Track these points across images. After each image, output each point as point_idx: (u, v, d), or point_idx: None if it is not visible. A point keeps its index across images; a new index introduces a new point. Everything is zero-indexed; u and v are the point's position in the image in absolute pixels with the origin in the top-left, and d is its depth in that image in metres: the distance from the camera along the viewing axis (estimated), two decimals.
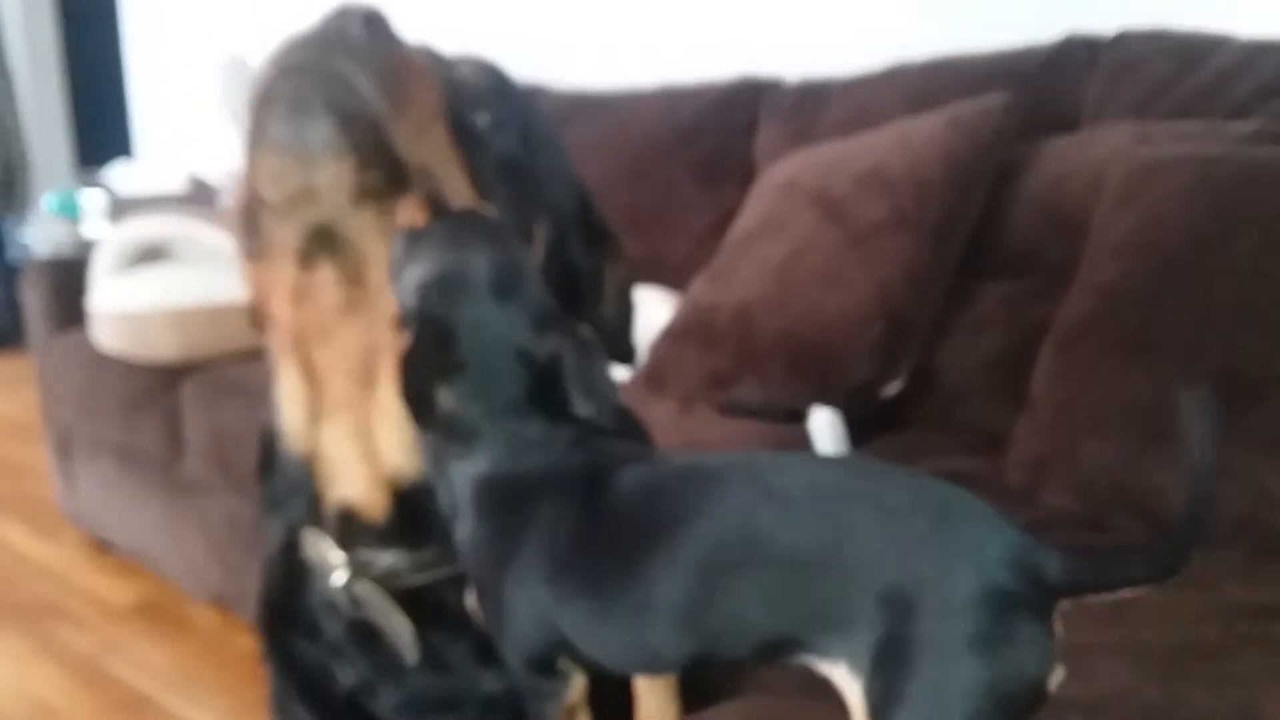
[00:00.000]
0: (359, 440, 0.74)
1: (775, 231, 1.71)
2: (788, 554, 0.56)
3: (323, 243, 0.67)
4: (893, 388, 1.57)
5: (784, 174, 1.80)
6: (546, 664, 0.63)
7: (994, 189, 1.61)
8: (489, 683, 0.78)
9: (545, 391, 0.64)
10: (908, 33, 2.12)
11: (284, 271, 0.70)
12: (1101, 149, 1.52)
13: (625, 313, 0.87)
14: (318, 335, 0.72)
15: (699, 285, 1.80)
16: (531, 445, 0.63)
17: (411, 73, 0.67)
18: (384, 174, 0.65)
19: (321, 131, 0.64)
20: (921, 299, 1.56)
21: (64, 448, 2.58)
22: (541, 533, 0.61)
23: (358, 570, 0.76)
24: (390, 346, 0.67)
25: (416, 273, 0.63)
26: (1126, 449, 1.20)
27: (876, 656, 0.54)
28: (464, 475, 0.64)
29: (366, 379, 0.72)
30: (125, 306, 2.20)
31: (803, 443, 1.52)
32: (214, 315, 2.14)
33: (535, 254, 0.76)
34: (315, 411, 0.75)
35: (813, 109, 2.03)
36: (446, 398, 0.63)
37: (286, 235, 0.68)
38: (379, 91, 0.64)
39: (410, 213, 0.64)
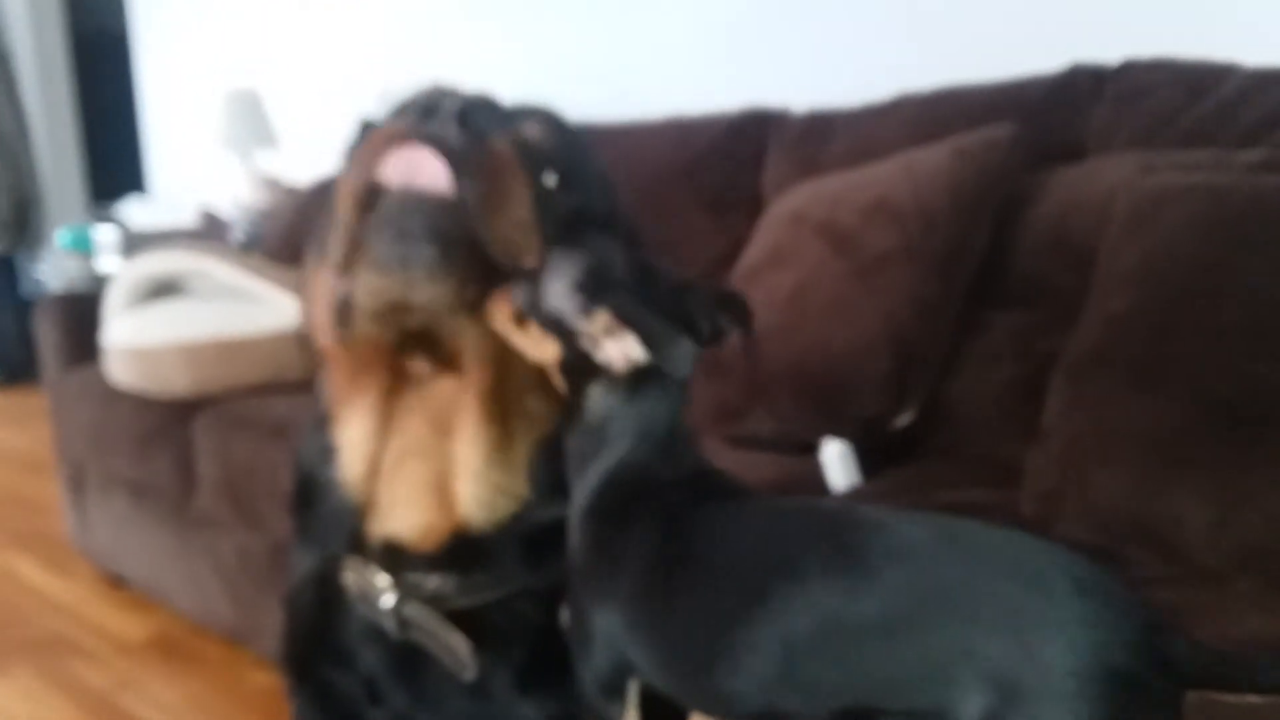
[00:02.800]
0: (428, 492, 0.75)
1: (783, 262, 1.72)
2: (868, 622, 0.53)
3: (417, 341, 0.71)
4: (904, 419, 1.57)
5: (791, 205, 1.81)
6: (616, 687, 0.63)
7: (1001, 219, 1.61)
8: (527, 711, 0.78)
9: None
10: (913, 63, 2.13)
11: (373, 357, 0.73)
12: (1109, 179, 1.53)
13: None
14: (394, 399, 0.75)
15: None
16: (657, 446, 0.64)
17: (505, 172, 0.68)
18: (481, 287, 0.68)
19: (425, 258, 0.66)
20: (930, 330, 1.56)
21: (77, 482, 2.59)
22: (631, 551, 0.61)
23: (406, 592, 0.76)
24: (474, 406, 0.71)
25: (565, 278, 0.64)
26: (1139, 479, 1.19)
27: None
28: (594, 475, 0.65)
29: (444, 433, 0.74)
30: (138, 341, 2.21)
31: (814, 474, 1.52)
32: (226, 350, 2.15)
33: None
34: (379, 460, 0.76)
35: (819, 139, 2.03)
36: (596, 396, 0.64)
37: (380, 333, 0.71)
38: (479, 208, 0.66)
39: (504, 310, 0.67)
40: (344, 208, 0.69)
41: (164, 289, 2.33)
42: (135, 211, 3.80)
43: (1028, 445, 1.37)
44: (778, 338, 1.64)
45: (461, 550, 0.75)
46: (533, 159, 0.75)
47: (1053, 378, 1.36)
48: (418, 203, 0.66)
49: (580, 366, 0.64)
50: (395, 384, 0.75)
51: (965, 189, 1.57)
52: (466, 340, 0.70)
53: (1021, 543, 0.54)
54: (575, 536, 0.65)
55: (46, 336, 2.66)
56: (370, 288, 0.68)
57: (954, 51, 2.08)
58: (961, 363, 1.61)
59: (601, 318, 0.62)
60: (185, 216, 3.56)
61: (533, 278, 0.65)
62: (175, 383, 2.19)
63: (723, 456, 1.58)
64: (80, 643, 2.37)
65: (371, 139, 0.70)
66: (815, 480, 1.51)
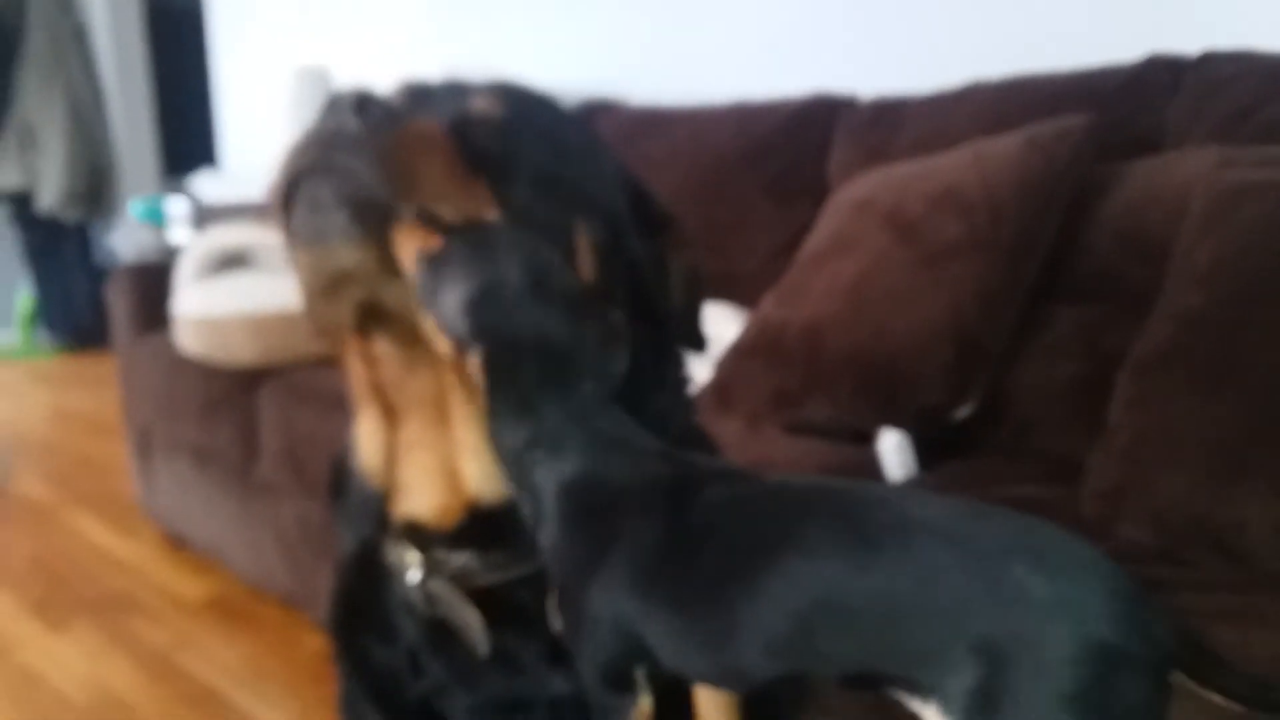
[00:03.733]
0: (437, 475, 0.76)
1: (847, 250, 1.71)
2: (875, 594, 0.54)
3: (372, 316, 0.72)
4: (963, 411, 1.55)
5: (857, 193, 1.79)
6: (622, 677, 0.63)
7: (1072, 211, 1.58)
8: (559, 684, 0.78)
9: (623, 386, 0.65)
10: (984, 51, 2.10)
11: (346, 342, 0.76)
12: (1185, 173, 1.49)
13: (694, 300, 0.86)
14: (390, 388, 0.77)
15: (768, 303, 1.80)
16: (615, 443, 0.64)
17: (413, 143, 0.69)
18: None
19: (338, 224, 0.68)
20: (994, 322, 1.54)
21: (144, 446, 2.65)
22: (628, 543, 0.61)
23: (432, 568, 0.78)
24: (458, 387, 0.71)
25: (455, 293, 0.64)
26: (1206, 481, 1.17)
27: (970, 704, 0.51)
28: (549, 482, 0.64)
29: (441, 420, 0.75)
30: (206, 312, 2.25)
31: (870, 465, 1.51)
32: (291, 322, 2.18)
33: (583, 254, 0.76)
34: (392, 449, 0.78)
35: (887, 127, 2.01)
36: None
37: (339, 313, 0.72)
38: (383, 174, 0.67)
39: (411, 239, 0.66)
40: (273, 203, 0.71)
41: (233, 261, 2.38)
42: (206, 184, 3.87)
43: (1090, 442, 1.35)
44: (838, 326, 1.64)
45: (479, 528, 0.76)
46: (478, 130, 0.75)
47: (1119, 374, 1.34)
48: (325, 175, 0.68)
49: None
50: (385, 376, 0.76)
51: (1036, 180, 1.55)
52: (419, 309, 0.69)
53: (1021, 523, 0.55)
54: (551, 537, 0.64)
55: (118, 305, 2.72)
56: (307, 265, 0.71)
57: (1027, 40, 2.05)
58: (1025, 356, 1.59)
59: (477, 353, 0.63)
60: (255, 190, 3.61)
61: (434, 265, 0.65)
62: (241, 353, 2.24)
63: (779, 444, 1.59)
64: (141, 602, 2.43)
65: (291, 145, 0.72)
66: (871, 470, 1.51)
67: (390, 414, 0.78)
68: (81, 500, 3.10)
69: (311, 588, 2.08)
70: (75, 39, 5.22)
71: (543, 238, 0.69)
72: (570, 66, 3.02)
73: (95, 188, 5.26)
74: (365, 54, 3.73)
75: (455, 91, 0.80)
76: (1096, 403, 1.38)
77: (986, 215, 1.55)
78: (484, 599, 0.78)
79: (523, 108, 0.80)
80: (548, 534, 0.64)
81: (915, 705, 0.56)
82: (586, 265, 0.76)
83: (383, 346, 0.75)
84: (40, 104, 5.08)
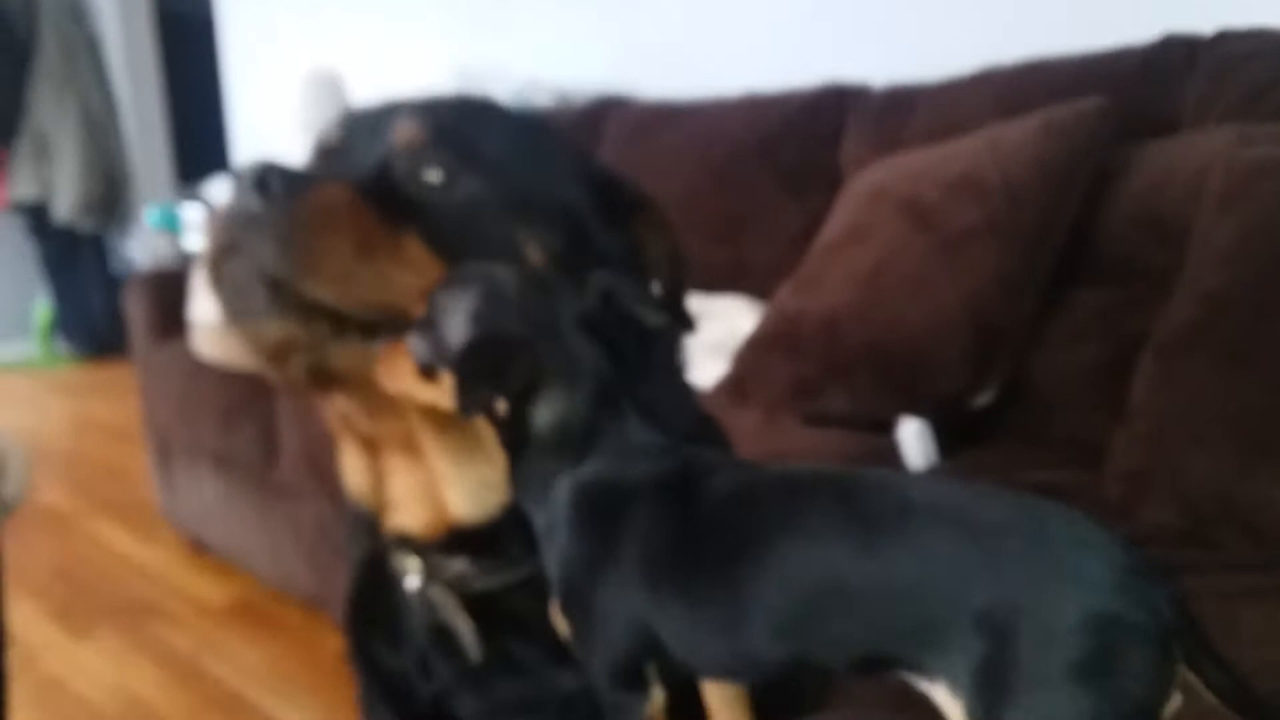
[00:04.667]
0: (420, 497, 0.77)
1: (863, 239, 1.70)
2: (876, 575, 0.55)
3: (321, 376, 0.72)
4: (984, 398, 1.54)
5: (872, 181, 1.78)
6: (633, 675, 0.63)
7: (1090, 194, 1.57)
8: (566, 682, 0.79)
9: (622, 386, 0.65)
10: (995, 36, 2.09)
11: (310, 398, 0.78)
12: (1203, 152, 1.48)
13: (677, 279, 0.85)
14: (360, 429, 0.78)
15: (785, 294, 1.79)
16: (634, 448, 0.64)
17: (315, 216, 0.67)
18: (327, 315, 0.68)
19: (259, 303, 0.68)
20: (1014, 307, 1.53)
21: (164, 452, 2.66)
22: (638, 537, 0.61)
23: (431, 574, 0.79)
24: (427, 426, 0.72)
25: (458, 316, 0.64)
26: (1232, 461, 1.16)
27: (977, 680, 0.52)
28: (565, 488, 0.64)
29: (414, 453, 0.76)
30: None
31: (891, 453, 1.50)
32: None
33: (536, 264, 0.76)
34: (375, 474, 0.79)
35: (900, 115, 2.00)
36: (544, 412, 0.63)
37: (289, 376, 0.73)
38: (284, 255, 0.66)
39: (402, 369, 0.67)
40: (204, 281, 0.71)
41: None
42: (220, 190, 3.88)
43: (1113, 426, 1.34)
44: (855, 315, 1.63)
45: (468, 537, 0.77)
46: (400, 164, 0.74)
47: (1142, 357, 1.33)
48: (238, 255, 0.68)
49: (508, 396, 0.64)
50: (353, 419, 0.77)
51: (1053, 163, 1.54)
52: (362, 364, 0.71)
53: (1023, 502, 0.56)
54: (561, 542, 0.64)
55: (136, 312, 2.73)
56: (246, 341, 0.71)
57: (1039, 23, 2.04)
58: (1045, 341, 1.57)
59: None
60: None
61: (424, 327, 0.65)
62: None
63: (798, 434, 1.58)
64: (164, 607, 2.44)
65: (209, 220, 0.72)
66: (891, 458, 1.50)
67: (369, 445, 0.79)
68: (103, 508, 3.11)
69: (332, 589, 2.08)
70: (87, 49, 5.25)
71: (487, 259, 0.70)
72: (581, 63, 3.02)
73: (110, 196, 5.29)
74: (377, 57, 3.74)
75: (384, 119, 0.78)
76: (1118, 386, 1.36)
77: (1004, 200, 1.54)
78: (483, 604, 0.79)
79: (453, 122, 0.78)
80: (558, 538, 0.65)
81: (924, 687, 0.56)
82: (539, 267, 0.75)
83: (342, 400, 0.76)
84: (54, 114, 5.11)
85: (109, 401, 4.46)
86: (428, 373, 0.65)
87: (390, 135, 0.76)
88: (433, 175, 0.74)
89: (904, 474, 0.61)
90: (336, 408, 0.77)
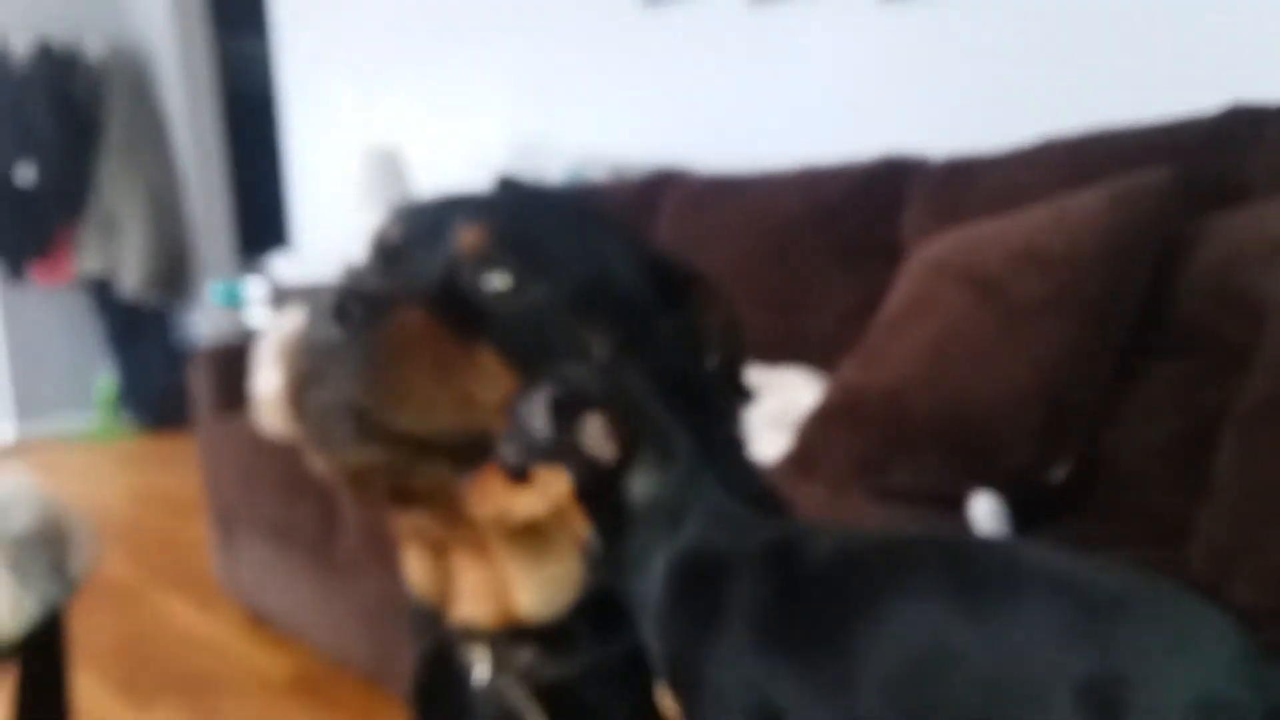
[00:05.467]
0: (486, 596, 0.77)
1: (926, 312, 1.68)
2: (981, 640, 0.54)
3: (402, 497, 0.73)
4: (1058, 473, 1.51)
5: (934, 253, 1.77)
6: None
7: (1159, 266, 1.55)
8: None
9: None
10: (1056, 105, 2.09)
11: (385, 512, 0.78)
12: (1275, 223, 1.46)
13: (733, 353, 0.84)
14: (429, 536, 0.78)
15: (848, 367, 1.78)
16: (726, 518, 0.64)
17: (399, 340, 0.68)
18: (411, 442, 0.69)
19: (344, 433, 0.68)
20: (1085, 380, 1.50)
21: (226, 524, 2.68)
22: (744, 604, 0.61)
23: (500, 666, 0.79)
24: (500, 533, 0.72)
25: (539, 406, 0.64)
26: None
27: None
28: (663, 561, 0.64)
29: (483, 557, 0.76)
30: None
31: (963, 530, 1.48)
32: None
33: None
34: (440, 572, 0.79)
35: (960, 186, 2.00)
36: (640, 484, 0.63)
37: (370, 498, 0.75)
38: (373, 384, 0.67)
39: (492, 490, 0.66)
40: (287, 408, 0.71)
41: None
42: (281, 265, 3.96)
43: (1192, 501, 1.30)
44: (921, 388, 1.61)
45: (535, 630, 0.77)
46: (464, 276, 0.74)
47: (1224, 430, 1.30)
48: (321, 383, 0.68)
49: (604, 475, 0.64)
50: (426, 531, 0.78)
51: (1121, 235, 1.52)
52: (446, 481, 0.71)
53: (1136, 575, 0.55)
54: (663, 615, 0.64)
55: (200, 385, 2.77)
56: (323, 466, 0.71)
57: (1101, 92, 2.03)
58: (1119, 415, 1.54)
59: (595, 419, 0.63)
60: (328, 270, 3.69)
61: (510, 437, 0.65)
62: None
63: (864, 509, 1.56)
64: (225, 680, 2.44)
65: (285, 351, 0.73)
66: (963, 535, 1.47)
67: (436, 546, 0.79)
68: (164, 580, 3.14)
69: (392, 664, 2.07)
70: (153, 128, 5.40)
71: (556, 361, 0.71)
72: (635, 137, 3.06)
73: (174, 272, 5.41)
74: (434, 133, 3.81)
75: (441, 217, 0.79)
76: (1197, 460, 1.33)
77: (1070, 272, 1.52)
78: (552, 694, 0.78)
79: (515, 223, 0.79)
80: (659, 611, 0.64)
81: None
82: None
83: (419, 517, 0.76)
84: (120, 192, 5.25)
85: (170, 474, 4.52)
86: (520, 477, 0.64)
87: (451, 238, 0.76)
88: (499, 282, 0.74)
89: (1011, 541, 0.60)
90: (410, 519, 0.78)
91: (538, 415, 0.63)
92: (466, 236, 0.76)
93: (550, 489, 0.63)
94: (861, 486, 1.62)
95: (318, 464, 0.71)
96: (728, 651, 0.61)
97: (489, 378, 0.71)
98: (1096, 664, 0.51)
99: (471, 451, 0.69)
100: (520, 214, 0.81)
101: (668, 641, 0.63)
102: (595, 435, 0.62)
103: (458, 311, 0.72)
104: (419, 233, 0.79)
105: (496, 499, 0.65)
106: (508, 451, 0.64)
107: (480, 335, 0.72)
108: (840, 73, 2.55)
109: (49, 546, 1.20)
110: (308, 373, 0.68)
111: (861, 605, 0.58)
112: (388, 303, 0.69)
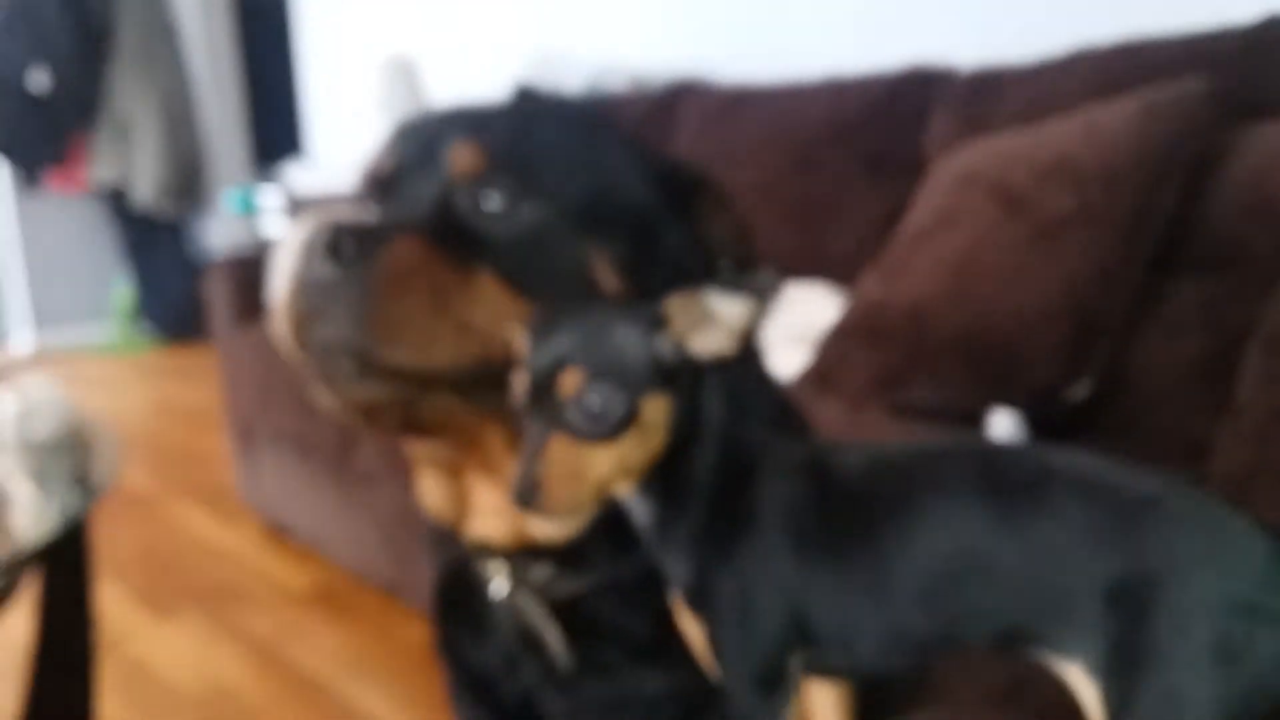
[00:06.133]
0: (500, 515, 0.77)
1: (951, 226, 1.65)
2: (1013, 543, 0.55)
3: (413, 427, 0.73)
4: (1079, 391, 1.50)
5: (960, 166, 1.74)
6: (777, 672, 0.61)
7: (1190, 180, 1.51)
8: (653, 685, 0.79)
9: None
10: (1085, 15, 2.03)
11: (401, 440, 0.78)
12: None
13: (744, 260, 0.81)
14: (442, 458, 0.78)
15: (869, 281, 1.76)
16: (750, 439, 0.63)
17: (394, 274, 0.66)
18: (414, 376, 0.68)
19: (347, 369, 0.67)
20: (1111, 297, 1.48)
21: (245, 437, 2.70)
22: (779, 509, 0.60)
23: (518, 581, 0.79)
24: (511, 446, 0.71)
25: (596, 383, 0.58)
26: None
27: (1110, 660, 0.52)
28: (696, 469, 0.62)
29: (495, 472, 0.75)
30: None
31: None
32: None
33: (604, 276, 0.73)
34: (454, 494, 0.79)
35: (987, 99, 1.95)
36: (697, 454, 0.62)
37: (380, 427, 0.73)
38: (370, 322, 0.65)
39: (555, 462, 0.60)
40: (290, 346, 0.69)
41: None
42: (296, 174, 3.93)
43: (1215, 422, 1.29)
44: (944, 303, 1.59)
45: (551, 547, 0.77)
46: (462, 202, 0.72)
47: (1248, 349, 1.28)
48: (321, 321, 0.66)
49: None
50: (438, 452, 0.77)
51: (1153, 148, 1.48)
52: (453, 414, 0.71)
53: (1166, 480, 0.55)
54: (697, 524, 0.62)
55: (217, 297, 2.77)
56: (330, 400, 0.70)
57: (1133, 1, 1.97)
58: (1144, 332, 1.52)
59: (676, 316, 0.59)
60: (344, 179, 3.66)
61: (571, 411, 0.58)
62: None
63: (883, 426, 1.55)
64: (246, 591, 2.47)
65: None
66: None
67: (450, 468, 0.78)
68: (184, 491, 3.17)
69: (411, 576, 2.09)
70: (165, 34, 5.33)
71: (559, 281, 0.70)
72: (655, 47, 2.99)
73: (188, 180, 5.38)
74: (450, 43, 3.75)
75: (436, 137, 0.76)
76: (1221, 380, 1.31)
77: (1101, 186, 1.49)
78: (568, 608, 0.78)
79: (509, 141, 0.75)
80: (691, 523, 0.62)
81: (1060, 667, 0.56)
82: (610, 284, 0.73)
83: (432, 444, 0.76)
84: (133, 100, 5.20)
85: (188, 385, 4.55)
86: (604, 438, 0.59)
87: (446, 161, 0.74)
88: (495, 203, 0.72)
89: (1044, 446, 0.60)
90: (422, 446, 0.78)
91: (595, 390, 0.58)
92: (460, 156, 0.73)
93: (627, 452, 0.59)
94: (880, 403, 1.61)
95: (324, 399, 0.70)
96: (759, 558, 0.60)
97: (489, 303, 0.69)
98: (1126, 565, 0.52)
99: (478, 383, 0.68)
100: (518, 129, 0.77)
101: (698, 555, 0.62)
102: (659, 413, 0.60)
103: (454, 236, 0.70)
104: (416, 154, 0.76)
105: (569, 463, 0.59)
106: (578, 425, 0.58)
107: (479, 259, 0.70)
108: None
109: (72, 455, 1.20)
110: (306, 311, 0.66)
111: (894, 511, 0.58)
112: (382, 235, 0.67)
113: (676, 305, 0.59)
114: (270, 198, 3.83)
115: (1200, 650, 0.50)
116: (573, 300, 0.67)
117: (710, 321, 0.58)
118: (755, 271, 0.71)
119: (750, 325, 0.58)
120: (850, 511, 0.59)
